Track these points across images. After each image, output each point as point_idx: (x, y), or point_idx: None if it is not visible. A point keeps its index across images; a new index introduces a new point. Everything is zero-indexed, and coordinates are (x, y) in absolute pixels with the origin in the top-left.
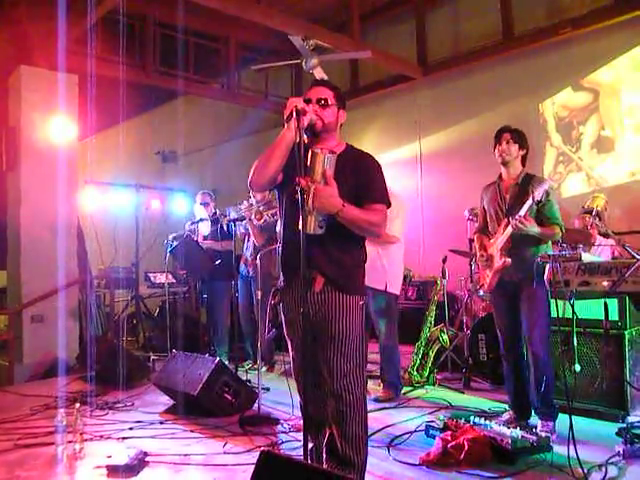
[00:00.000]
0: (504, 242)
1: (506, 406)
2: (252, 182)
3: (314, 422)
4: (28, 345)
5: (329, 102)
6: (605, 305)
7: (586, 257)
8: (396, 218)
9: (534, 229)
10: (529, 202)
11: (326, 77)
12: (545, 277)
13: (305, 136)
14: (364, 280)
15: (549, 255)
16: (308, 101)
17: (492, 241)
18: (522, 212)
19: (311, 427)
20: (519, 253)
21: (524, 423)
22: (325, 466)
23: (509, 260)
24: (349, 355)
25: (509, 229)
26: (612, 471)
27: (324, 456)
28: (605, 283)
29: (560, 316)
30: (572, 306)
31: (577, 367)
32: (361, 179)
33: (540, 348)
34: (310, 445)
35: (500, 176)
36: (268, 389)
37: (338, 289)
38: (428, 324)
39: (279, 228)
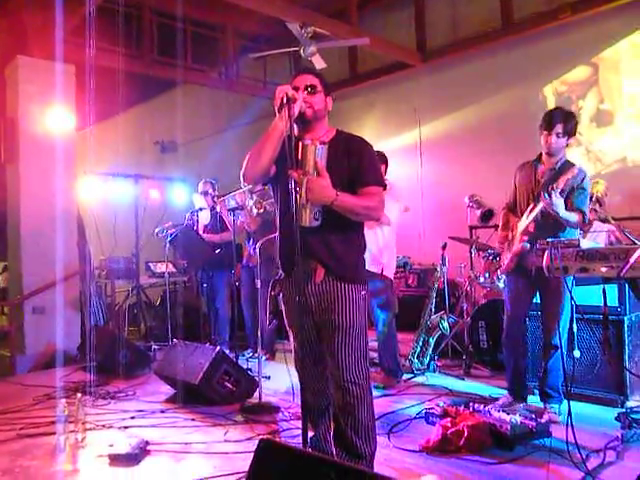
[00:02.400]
0: (527, 225)
1: (506, 391)
2: (245, 174)
3: (314, 411)
4: (29, 336)
5: (317, 89)
6: (604, 291)
7: (585, 243)
8: (396, 202)
9: (560, 209)
10: (557, 190)
11: (324, 64)
12: (543, 263)
13: (295, 127)
14: (364, 268)
15: (547, 241)
16: (296, 89)
17: (518, 222)
18: (558, 189)
19: (311, 416)
20: (541, 239)
21: (523, 404)
22: (336, 457)
23: (527, 245)
24: (354, 346)
25: (534, 213)
26: (610, 456)
27: (334, 449)
28: (603, 269)
29: None
30: (570, 292)
31: (577, 353)
32: (353, 163)
33: (560, 340)
34: (310, 434)
35: (539, 157)
36: (269, 377)
37: (339, 279)
38: (428, 311)
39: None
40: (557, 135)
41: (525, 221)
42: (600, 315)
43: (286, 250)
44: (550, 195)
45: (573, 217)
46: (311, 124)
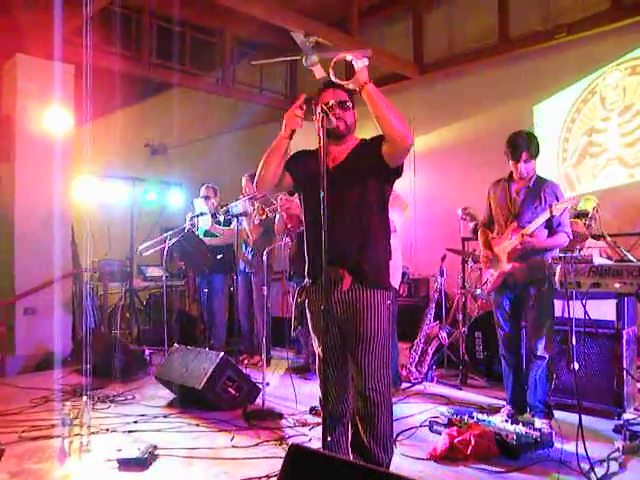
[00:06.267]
0: (512, 247)
1: (503, 402)
2: (257, 185)
3: (332, 416)
4: (20, 337)
5: (348, 104)
6: (616, 305)
7: (597, 260)
8: (403, 210)
9: (540, 245)
10: (546, 215)
11: (325, 74)
12: (556, 278)
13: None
14: (390, 276)
15: (560, 257)
16: (326, 104)
17: (497, 240)
18: (531, 229)
19: (331, 422)
20: (527, 258)
21: (520, 417)
22: None
23: (518, 264)
24: (377, 354)
25: (518, 237)
26: (613, 466)
27: (350, 455)
28: (617, 285)
29: (559, 315)
30: (584, 307)
31: (575, 365)
32: (374, 151)
33: (546, 352)
34: (327, 439)
35: (511, 175)
36: (268, 384)
37: (366, 286)
38: (427, 321)
39: (277, 223)
40: (525, 161)
41: (510, 243)
42: (598, 328)
43: (314, 257)
44: (528, 241)
45: (557, 242)
46: (344, 138)
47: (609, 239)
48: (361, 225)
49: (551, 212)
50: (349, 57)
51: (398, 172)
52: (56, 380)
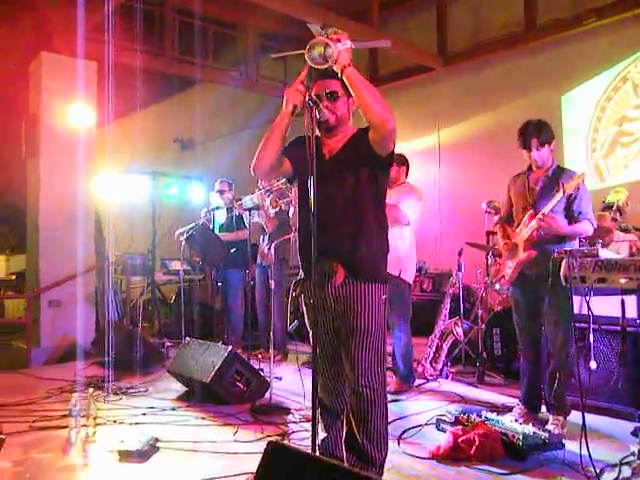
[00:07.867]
0: (529, 235)
1: (517, 401)
2: (254, 167)
3: (328, 413)
4: (45, 329)
5: (338, 94)
6: (622, 302)
7: (604, 253)
8: (419, 202)
9: (559, 228)
10: (559, 196)
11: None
12: (561, 273)
13: (317, 130)
14: (386, 270)
15: (565, 250)
16: (318, 96)
17: (517, 231)
18: (547, 209)
19: (325, 418)
20: (543, 248)
21: (534, 416)
22: (346, 462)
23: (534, 252)
24: (371, 349)
25: (534, 222)
26: (625, 471)
27: (344, 453)
28: (623, 280)
29: (576, 312)
30: (588, 303)
31: (593, 364)
32: (364, 141)
33: (562, 348)
34: (323, 435)
35: (530, 167)
36: (280, 378)
37: (360, 281)
38: (442, 317)
39: (292, 216)
40: (537, 149)
41: (527, 230)
42: (617, 326)
43: (307, 250)
44: (546, 221)
45: (578, 228)
46: (335, 129)
47: (636, 233)
48: (355, 217)
49: (564, 190)
50: (329, 42)
51: (390, 161)
52: (75, 372)
